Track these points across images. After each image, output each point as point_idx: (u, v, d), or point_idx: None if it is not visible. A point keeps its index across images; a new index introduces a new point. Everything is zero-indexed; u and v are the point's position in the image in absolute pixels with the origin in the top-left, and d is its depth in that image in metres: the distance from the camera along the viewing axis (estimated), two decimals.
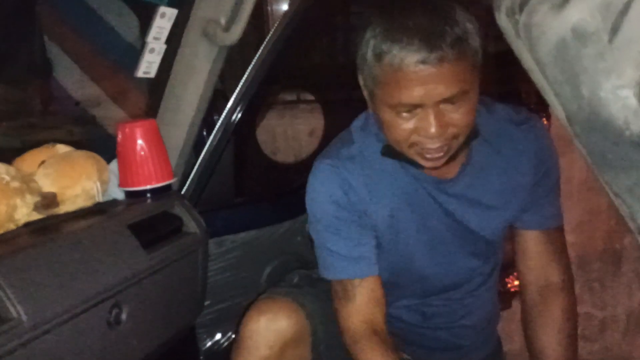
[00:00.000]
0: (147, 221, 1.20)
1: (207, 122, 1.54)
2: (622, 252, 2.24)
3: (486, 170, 1.15)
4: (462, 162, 1.13)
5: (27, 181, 1.07)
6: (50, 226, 1.07)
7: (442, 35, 0.90)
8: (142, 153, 1.25)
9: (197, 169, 1.49)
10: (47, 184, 1.11)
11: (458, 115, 0.97)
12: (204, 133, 1.55)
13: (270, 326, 1.19)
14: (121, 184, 1.27)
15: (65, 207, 1.14)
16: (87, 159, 1.18)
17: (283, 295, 1.26)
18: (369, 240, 1.16)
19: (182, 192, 1.46)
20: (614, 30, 0.54)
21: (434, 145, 0.99)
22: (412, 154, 1.03)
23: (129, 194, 1.26)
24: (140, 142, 1.25)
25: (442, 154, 1.01)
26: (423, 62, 0.90)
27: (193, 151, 1.52)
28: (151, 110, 1.45)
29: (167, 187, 1.30)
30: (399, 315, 1.29)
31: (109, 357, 1.05)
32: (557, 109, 0.66)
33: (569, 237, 2.26)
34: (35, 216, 1.09)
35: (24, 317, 0.86)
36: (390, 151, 1.09)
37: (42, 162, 1.15)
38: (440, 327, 1.29)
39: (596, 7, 0.54)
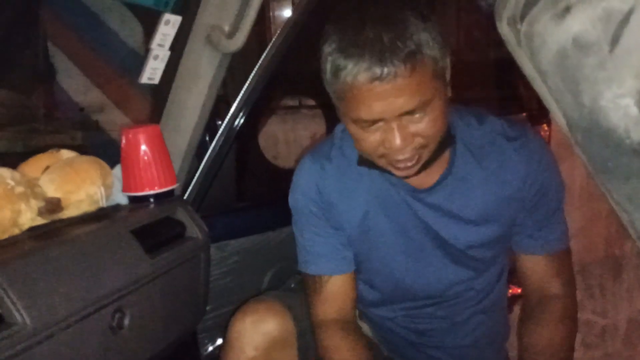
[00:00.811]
0: (150, 226, 1.20)
1: (210, 128, 1.55)
2: (623, 258, 2.24)
3: (468, 183, 1.12)
4: (441, 172, 1.11)
5: (31, 186, 1.08)
6: (54, 231, 1.08)
7: (394, 50, 0.88)
8: (146, 158, 1.26)
9: (200, 174, 1.50)
10: (51, 189, 1.12)
11: (423, 125, 0.96)
12: (207, 138, 1.56)
13: (256, 327, 1.20)
14: (124, 189, 1.28)
15: (69, 212, 1.14)
16: (91, 164, 1.19)
17: (271, 298, 1.27)
18: (340, 239, 1.18)
19: (185, 197, 1.47)
20: (615, 40, 0.54)
21: (402, 156, 0.99)
22: (383, 164, 1.03)
23: (132, 199, 1.27)
24: (143, 147, 1.25)
25: (413, 162, 1.00)
26: (376, 79, 0.89)
27: (196, 156, 1.52)
28: (155, 116, 1.46)
29: (170, 192, 1.31)
30: (393, 329, 1.29)
31: None
32: (558, 116, 0.67)
33: (570, 244, 2.28)
34: (40, 221, 1.09)
35: (28, 322, 0.87)
36: (365, 160, 1.09)
37: (47, 168, 1.16)
38: (435, 345, 1.27)
39: (597, 17, 0.54)
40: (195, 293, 1.32)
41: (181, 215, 1.30)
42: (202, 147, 1.54)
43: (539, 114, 1.99)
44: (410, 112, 0.93)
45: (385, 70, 0.88)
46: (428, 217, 1.14)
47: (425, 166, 1.04)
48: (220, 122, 1.57)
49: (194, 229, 1.30)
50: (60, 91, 1.93)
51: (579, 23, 0.56)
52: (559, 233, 1.18)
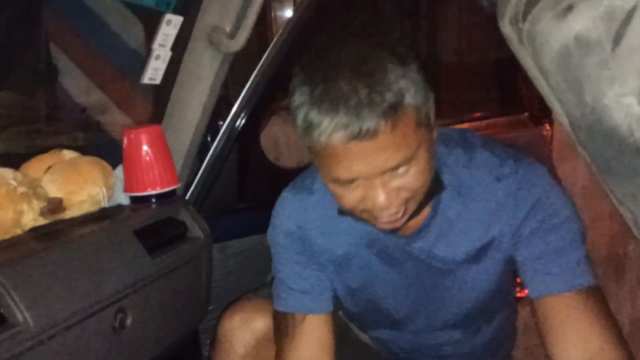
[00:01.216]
0: (152, 226, 1.20)
1: (212, 128, 1.55)
2: (626, 258, 2.23)
3: (456, 226, 1.02)
4: (426, 215, 1.01)
5: (33, 186, 1.08)
6: (56, 231, 1.08)
7: (372, 105, 0.78)
8: (148, 159, 1.26)
9: (202, 174, 1.50)
10: (53, 190, 1.12)
11: (408, 179, 0.86)
12: (208, 139, 1.56)
13: (246, 326, 1.18)
14: (126, 190, 1.28)
15: (71, 213, 1.14)
16: (93, 164, 1.19)
17: (260, 296, 1.24)
18: (320, 275, 1.09)
19: (187, 198, 1.47)
20: (617, 39, 0.54)
21: (387, 212, 0.89)
22: (366, 217, 0.93)
23: (134, 199, 1.27)
24: (145, 147, 1.26)
25: (399, 216, 0.91)
26: (354, 138, 0.79)
27: (197, 157, 1.53)
28: (156, 116, 1.46)
29: (172, 193, 1.31)
30: (390, 347, 1.24)
31: None
32: (560, 116, 0.67)
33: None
34: (42, 221, 1.10)
35: (30, 322, 0.87)
36: (347, 211, 0.96)
37: (49, 168, 1.16)
38: (437, 356, 1.22)
39: (599, 16, 0.54)
40: (197, 293, 1.32)
41: (183, 215, 1.31)
42: (203, 148, 1.54)
43: (541, 113, 1.99)
44: (393, 169, 0.84)
45: (364, 128, 0.78)
46: (414, 261, 1.06)
47: (412, 217, 0.95)
48: (221, 123, 1.57)
49: (196, 230, 1.30)
50: (62, 92, 1.93)
51: (581, 22, 0.56)
52: (577, 263, 0.95)
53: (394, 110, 0.79)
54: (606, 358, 0.90)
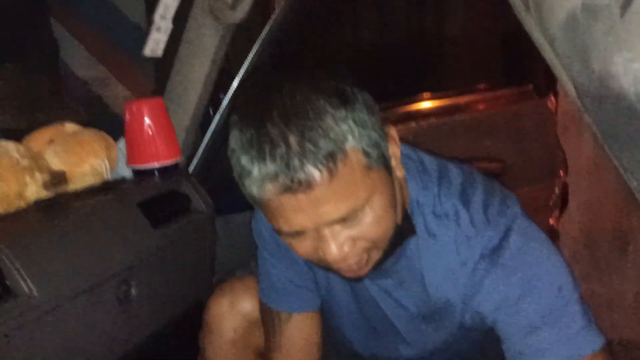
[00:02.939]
0: (155, 199, 1.20)
1: (214, 101, 1.54)
2: (630, 231, 2.23)
3: (417, 278, 0.93)
4: (395, 254, 0.91)
5: (36, 159, 1.08)
6: (59, 204, 1.08)
7: (304, 154, 0.68)
8: (150, 131, 1.26)
9: (204, 147, 1.50)
10: (56, 162, 1.12)
11: (364, 228, 0.76)
12: (210, 112, 1.55)
13: (234, 309, 1.16)
14: (129, 162, 1.28)
15: (74, 185, 1.14)
16: (96, 137, 1.19)
17: (247, 275, 1.21)
18: (302, 275, 1.04)
19: (190, 171, 1.47)
20: (625, 4, 0.53)
21: (344, 264, 0.79)
22: (325, 267, 0.83)
23: (137, 172, 1.27)
24: (147, 120, 1.25)
25: (362, 265, 0.81)
26: (285, 191, 0.70)
27: (200, 130, 1.52)
28: (158, 89, 1.45)
29: (175, 166, 1.31)
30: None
31: (119, 333, 1.06)
32: (567, 84, 0.66)
33: (576, 216, 2.28)
34: (45, 194, 1.10)
35: (35, 293, 0.88)
36: None
37: (51, 141, 1.16)
38: None
39: None
40: (201, 266, 1.33)
41: (186, 188, 1.31)
42: (205, 121, 1.54)
43: (546, 85, 1.97)
44: (339, 221, 0.74)
45: (295, 179, 0.69)
46: (379, 298, 0.99)
47: (381, 263, 0.85)
48: (223, 96, 1.56)
49: (199, 202, 1.31)
50: (64, 66, 1.92)
51: None
52: (574, 330, 0.82)
53: (332, 159, 0.69)
54: None
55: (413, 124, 1.79)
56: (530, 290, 0.83)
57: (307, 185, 0.69)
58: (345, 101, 0.72)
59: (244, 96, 0.79)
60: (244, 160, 0.72)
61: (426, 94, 1.92)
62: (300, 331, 1.07)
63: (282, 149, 0.69)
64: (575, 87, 0.64)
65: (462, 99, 1.90)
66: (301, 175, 0.69)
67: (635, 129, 0.57)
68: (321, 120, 0.70)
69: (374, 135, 0.74)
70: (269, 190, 0.71)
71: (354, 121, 0.72)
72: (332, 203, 0.71)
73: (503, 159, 1.79)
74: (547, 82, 1.96)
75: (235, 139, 0.74)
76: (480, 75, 2.03)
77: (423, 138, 1.72)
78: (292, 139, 0.69)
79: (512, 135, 1.89)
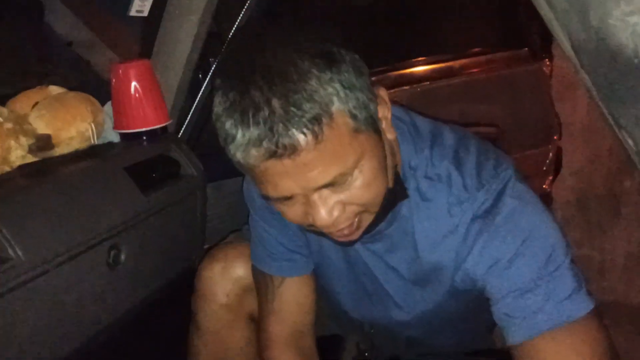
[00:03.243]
0: (143, 164, 1.19)
1: (203, 65, 1.50)
2: (622, 195, 2.24)
3: (410, 242, 0.92)
4: (388, 218, 0.90)
5: (20, 123, 1.05)
6: (45, 168, 1.06)
7: (289, 119, 0.67)
8: (137, 95, 1.23)
9: (194, 111, 1.47)
10: (41, 126, 1.09)
11: (353, 192, 0.75)
12: (200, 76, 1.52)
13: (226, 274, 1.16)
14: (116, 127, 1.25)
15: (60, 150, 1.12)
16: (81, 100, 1.16)
17: (239, 241, 1.20)
18: (294, 239, 1.04)
19: (179, 135, 1.44)
20: None
21: (334, 229, 0.78)
22: (317, 231, 0.83)
23: (124, 137, 1.25)
24: (134, 83, 1.22)
25: (352, 229, 0.80)
26: (270, 156, 0.69)
27: (189, 94, 1.49)
28: (145, 51, 1.42)
29: (164, 130, 1.28)
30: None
31: (109, 298, 1.06)
32: (563, 41, 0.64)
33: (570, 181, 2.29)
34: (30, 159, 1.08)
35: (22, 257, 0.87)
36: None
37: (35, 104, 1.13)
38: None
39: None
40: (192, 231, 1.32)
41: (175, 153, 1.29)
42: (195, 85, 1.51)
43: (541, 48, 1.94)
44: (328, 185, 0.73)
45: (280, 145, 0.67)
46: (371, 262, 0.99)
47: (373, 227, 0.85)
48: (214, 60, 1.52)
49: (189, 167, 1.29)
50: (49, 29, 1.87)
51: None
52: (565, 293, 0.81)
53: (317, 123, 0.67)
54: None
55: (407, 88, 1.77)
56: (523, 253, 0.82)
57: (292, 149, 0.68)
58: (331, 63, 0.70)
59: (228, 58, 0.76)
60: (228, 125, 0.70)
61: (421, 58, 1.90)
62: (293, 295, 1.07)
63: (265, 113, 0.67)
64: (572, 44, 0.62)
65: (457, 63, 1.88)
66: (286, 140, 0.67)
67: (633, 85, 0.55)
68: (305, 82, 0.68)
69: (361, 98, 0.72)
70: (254, 156, 0.69)
71: (340, 83, 0.70)
72: (319, 167, 0.70)
73: (498, 123, 1.78)
74: (543, 45, 1.94)
75: (218, 103, 0.72)
76: (476, 38, 2.00)
77: (418, 102, 1.69)
78: (276, 103, 0.67)
79: (507, 99, 1.87)
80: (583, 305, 0.80)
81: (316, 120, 0.68)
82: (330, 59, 0.70)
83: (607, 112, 0.64)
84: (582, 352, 0.78)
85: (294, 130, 0.67)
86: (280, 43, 0.72)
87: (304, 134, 0.67)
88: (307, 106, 0.67)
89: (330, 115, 0.69)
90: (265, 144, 0.68)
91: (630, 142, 0.63)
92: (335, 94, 0.69)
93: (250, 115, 0.68)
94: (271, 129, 0.67)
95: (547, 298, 0.80)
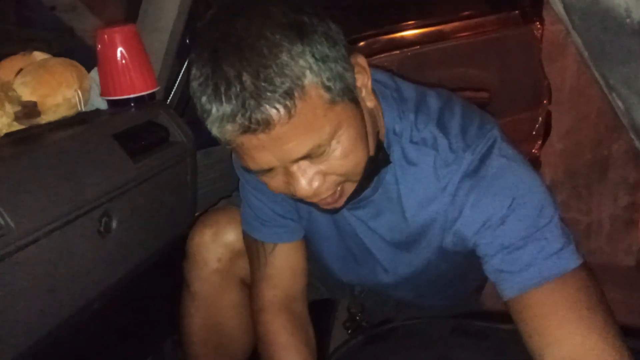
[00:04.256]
0: (132, 130, 1.17)
1: (191, 30, 1.48)
2: (610, 158, 2.26)
3: (394, 207, 0.94)
4: (372, 185, 0.91)
5: (5, 90, 1.03)
6: (33, 136, 1.05)
7: (260, 94, 0.67)
8: (124, 61, 1.21)
9: (182, 77, 1.45)
10: (26, 93, 1.07)
11: (332, 162, 0.76)
12: (187, 42, 1.49)
13: (217, 240, 1.17)
14: (103, 93, 1.23)
15: (47, 117, 1.11)
16: (66, 66, 1.14)
17: (230, 206, 1.21)
18: (285, 205, 1.05)
19: (168, 102, 1.43)
20: None
21: (317, 199, 0.80)
22: (303, 201, 0.83)
23: (111, 103, 1.23)
24: (120, 49, 1.20)
25: (335, 198, 0.81)
26: (244, 132, 0.69)
27: (177, 60, 1.47)
28: (130, 16, 1.39)
29: (152, 96, 1.27)
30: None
31: (101, 265, 1.06)
32: (555, 2, 0.63)
33: (558, 145, 2.30)
34: (17, 127, 1.06)
35: (12, 226, 0.86)
36: None
37: (20, 71, 1.11)
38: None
39: None
40: (182, 198, 1.32)
41: (164, 119, 1.27)
42: (183, 50, 1.48)
43: (532, 11, 1.92)
44: (305, 157, 0.74)
45: (253, 120, 0.67)
46: (357, 227, 1.00)
47: (357, 194, 0.86)
48: (200, 24, 1.50)
49: (178, 134, 1.28)
50: None
51: None
52: (555, 248, 0.82)
53: (289, 97, 0.67)
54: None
55: (398, 53, 1.75)
56: (513, 210, 0.83)
57: (266, 124, 0.68)
58: (302, 34, 0.69)
59: (202, 29, 0.74)
60: (203, 100, 0.70)
61: (411, 22, 1.88)
62: (285, 261, 1.08)
63: (237, 89, 0.67)
64: (564, 4, 0.61)
65: (447, 27, 1.86)
66: (258, 115, 0.67)
67: (623, 47, 0.55)
68: (276, 57, 0.67)
69: (336, 68, 0.71)
70: (229, 131, 0.70)
71: (312, 55, 0.69)
72: (294, 141, 0.71)
73: (488, 87, 1.77)
74: (533, 8, 1.92)
75: (194, 78, 0.71)
76: (466, 1, 1.98)
77: (408, 66, 1.68)
78: (247, 78, 0.67)
79: (498, 63, 1.86)
80: (573, 259, 0.82)
81: (288, 94, 0.67)
82: (301, 30, 0.70)
83: (597, 73, 0.63)
84: (578, 300, 0.80)
85: (266, 105, 0.67)
86: (251, 14, 0.71)
87: (276, 108, 0.67)
88: (278, 81, 0.67)
89: (303, 89, 0.68)
90: (238, 119, 0.68)
91: (619, 103, 0.63)
92: (307, 67, 0.69)
93: (223, 91, 0.68)
94: (243, 105, 0.67)
95: (538, 253, 0.81)
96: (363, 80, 0.80)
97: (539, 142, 1.96)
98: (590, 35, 0.59)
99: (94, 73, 1.23)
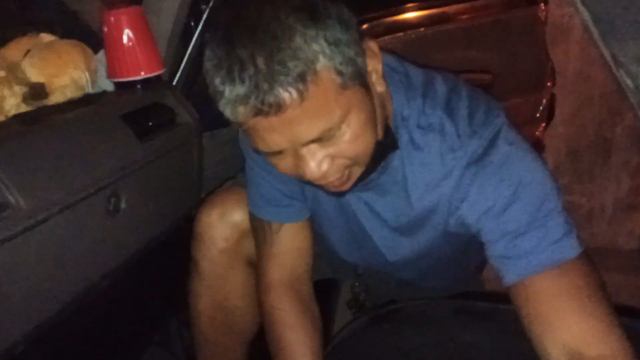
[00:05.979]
0: (139, 112, 1.18)
1: (195, 12, 1.48)
2: (612, 142, 2.26)
3: (399, 192, 0.95)
4: (379, 169, 0.92)
5: (13, 70, 1.04)
6: (41, 117, 1.05)
7: (274, 76, 0.67)
8: (130, 43, 1.21)
9: (187, 59, 1.45)
10: (34, 74, 1.08)
11: (342, 146, 0.77)
12: (192, 24, 1.49)
13: (224, 220, 1.18)
14: (109, 75, 1.24)
15: (54, 99, 1.11)
16: (74, 47, 1.14)
17: (237, 186, 1.21)
18: (290, 186, 1.05)
19: (174, 84, 1.43)
20: None
21: (324, 181, 0.81)
22: (310, 183, 0.84)
23: (118, 85, 1.24)
24: (127, 30, 1.20)
25: (343, 180, 0.83)
26: (258, 113, 0.70)
27: (182, 42, 1.47)
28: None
29: (158, 78, 1.27)
30: None
31: (109, 244, 1.07)
32: None
33: (561, 129, 2.30)
34: (24, 108, 1.07)
35: (22, 204, 0.87)
36: None
37: (27, 52, 1.11)
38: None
39: None
40: (189, 178, 1.33)
41: (170, 101, 1.28)
42: (188, 33, 1.48)
43: None
44: (315, 141, 0.75)
45: (266, 102, 0.68)
46: (358, 209, 1.02)
47: (364, 178, 0.87)
48: (205, 7, 1.50)
49: (185, 115, 1.28)
50: None
51: None
52: (557, 236, 0.83)
53: (302, 80, 0.68)
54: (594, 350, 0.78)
55: (401, 35, 1.74)
56: (517, 197, 0.84)
57: (278, 107, 0.69)
58: (316, 18, 0.70)
59: (216, 10, 0.75)
60: (217, 81, 0.71)
61: (414, 4, 1.87)
62: (291, 241, 1.09)
63: (250, 71, 0.68)
64: None
65: (451, 8, 1.85)
66: (271, 98, 0.68)
67: (633, 20, 0.55)
68: (290, 40, 0.68)
69: (348, 53, 0.72)
70: (241, 112, 0.71)
71: (325, 40, 0.70)
72: (305, 124, 0.72)
73: (492, 70, 1.76)
74: None
75: (208, 59, 0.72)
76: None
77: (412, 49, 1.68)
78: (260, 61, 0.68)
79: (502, 45, 1.85)
80: (575, 247, 0.83)
81: (301, 78, 0.68)
82: (315, 14, 0.70)
83: (606, 51, 0.64)
84: (578, 288, 0.81)
85: (279, 88, 0.68)
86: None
87: (289, 92, 0.68)
88: (291, 64, 0.68)
89: (316, 73, 0.69)
90: (251, 101, 0.69)
91: (628, 81, 0.63)
92: (320, 51, 0.69)
93: (236, 73, 0.68)
94: (257, 87, 0.68)
95: (540, 240, 0.82)
96: (374, 65, 0.81)
97: (543, 125, 1.96)
98: (600, 11, 0.59)
99: (101, 55, 1.23)
